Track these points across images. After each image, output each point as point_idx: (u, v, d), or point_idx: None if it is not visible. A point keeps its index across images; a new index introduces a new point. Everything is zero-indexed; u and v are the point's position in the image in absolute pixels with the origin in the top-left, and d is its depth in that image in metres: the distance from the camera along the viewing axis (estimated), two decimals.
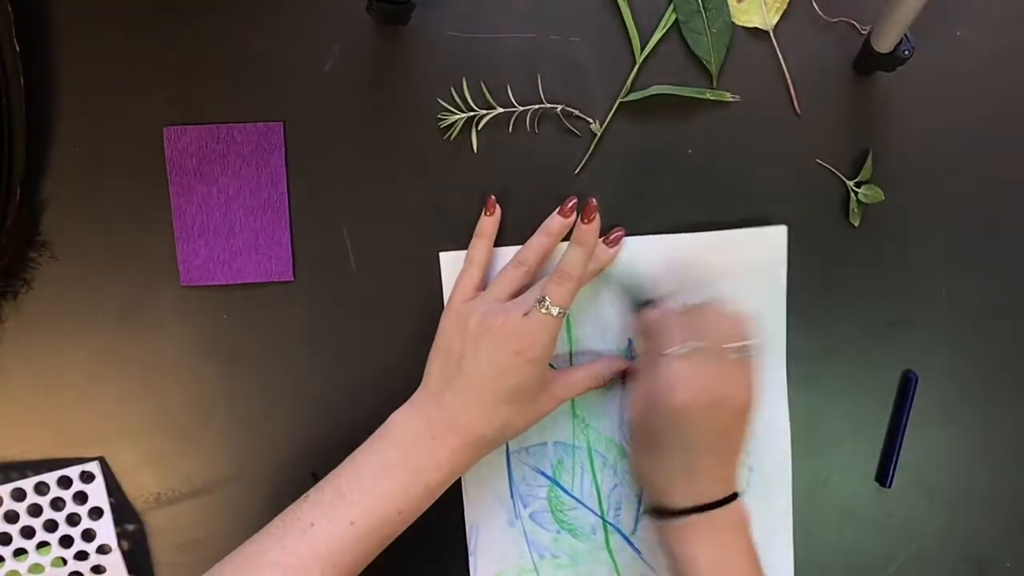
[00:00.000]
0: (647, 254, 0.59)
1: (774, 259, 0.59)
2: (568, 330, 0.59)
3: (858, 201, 0.59)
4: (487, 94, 0.59)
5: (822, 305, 0.60)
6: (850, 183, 0.59)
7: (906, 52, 0.55)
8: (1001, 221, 0.60)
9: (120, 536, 0.59)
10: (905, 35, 0.54)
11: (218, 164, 0.59)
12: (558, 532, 0.61)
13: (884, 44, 0.55)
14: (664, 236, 0.59)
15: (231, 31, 0.59)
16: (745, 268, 0.59)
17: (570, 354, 0.60)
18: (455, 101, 0.59)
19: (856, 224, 0.59)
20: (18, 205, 0.57)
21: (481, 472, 0.60)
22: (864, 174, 0.59)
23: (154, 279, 0.59)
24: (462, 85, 0.59)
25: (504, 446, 0.60)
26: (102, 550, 0.59)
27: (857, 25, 0.59)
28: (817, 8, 0.59)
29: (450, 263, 0.59)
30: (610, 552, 0.61)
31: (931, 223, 0.60)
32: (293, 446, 0.60)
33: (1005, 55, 0.60)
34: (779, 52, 0.59)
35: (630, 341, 0.59)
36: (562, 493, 0.61)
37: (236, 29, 0.59)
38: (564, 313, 0.52)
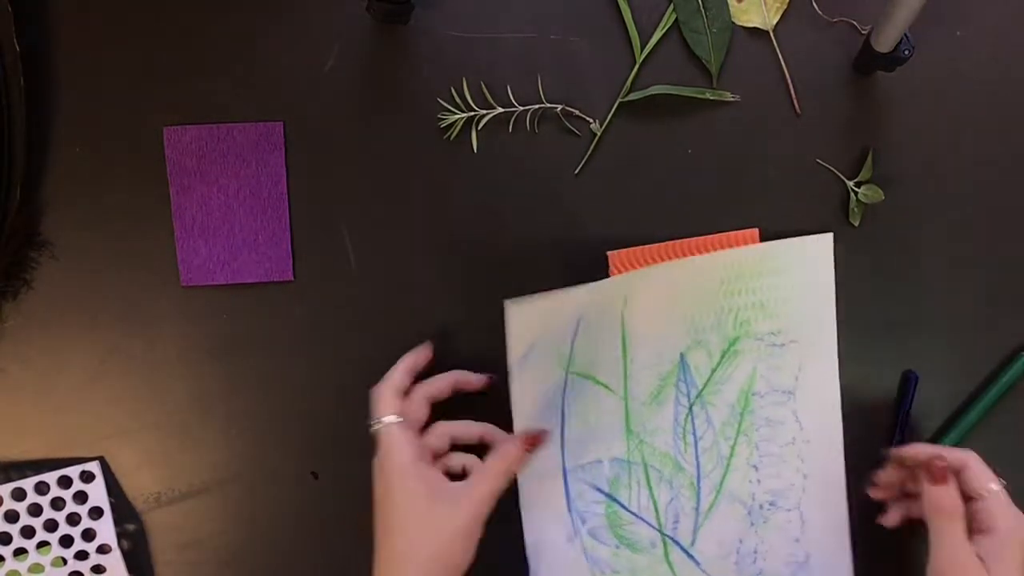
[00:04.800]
0: (682, 281, 0.58)
1: (821, 270, 0.58)
2: (623, 349, 0.59)
3: (858, 201, 0.59)
4: (487, 94, 0.59)
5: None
6: (850, 183, 0.59)
7: (906, 52, 0.55)
8: (1001, 221, 0.60)
9: (120, 536, 0.59)
10: (905, 35, 0.54)
11: (218, 164, 0.59)
12: (617, 547, 0.60)
13: (884, 44, 0.55)
14: (707, 256, 0.58)
15: (231, 31, 0.59)
16: (792, 283, 0.58)
17: (624, 373, 0.59)
18: (455, 101, 0.59)
19: (856, 224, 0.59)
20: (18, 205, 0.57)
21: (539, 490, 0.60)
22: (864, 174, 0.59)
23: (154, 279, 0.59)
24: (462, 85, 0.59)
25: (561, 464, 0.60)
26: (102, 550, 0.59)
27: (857, 25, 0.59)
28: (817, 8, 0.59)
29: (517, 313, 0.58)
30: (670, 565, 0.60)
31: (931, 223, 0.60)
32: (293, 446, 0.60)
33: (1005, 55, 0.60)
34: (779, 52, 0.59)
35: (681, 356, 0.59)
36: (620, 508, 0.60)
37: (236, 29, 0.59)
38: (393, 423, 0.53)
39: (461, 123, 0.59)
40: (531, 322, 0.58)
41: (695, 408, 0.59)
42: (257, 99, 0.59)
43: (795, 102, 0.59)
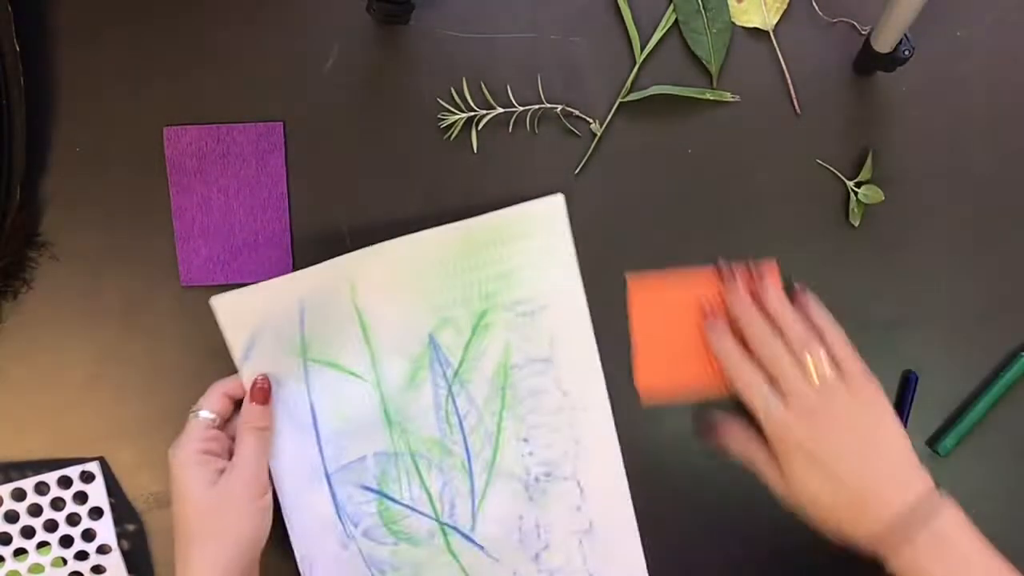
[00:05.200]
0: (413, 257, 0.57)
1: (557, 232, 0.57)
2: (364, 334, 0.57)
3: (858, 201, 0.59)
4: (487, 94, 0.59)
5: (822, 305, 0.59)
6: (850, 183, 0.59)
7: (906, 52, 0.55)
8: (1001, 221, 0.60)
9: (120, 536, 0.59)
10: (905, 35, 0.54)
11: (218, 164, 0.59)
12: (396, 544, 0.58)
13: (884, 44, 0.55)
14: (436, 229, 0.57)
15: (231, 31, 0.59)
16: (530, 249, 0.57)
17: (371, 359, 0.57)
18: (455, 101, 0.59)
19: (856, 224, 0.59)
20: (18, 205, 0.57)
21: (302, 500, 0.57)
22: (864, 174, 0.59)
23: (154, 279, 0.59)
24: (462, 85, 0.59)
25: (322, 468, 0.57)
26: (102, 550, 0.59)
27: (857, 25, 0.59)
28: (817, 8, 0.59)
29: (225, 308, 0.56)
30: (453, 554, 0.58)
31: (931, 223, 0.60)
32: None
33: (1005, 55, 0.60)
34: (779, 52, 0.59)
35: (430, 336, 0.57)
36: (392, 504, 0.58)
37: (236, 29, 0.59)
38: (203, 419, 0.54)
39: (461, 123, 0.59)
40: (243, 313, 0.56)
41: (454, 388, 0.58)
42: (257, 99, 0.59)
43: (795, 102, 0.59)
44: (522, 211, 0.57)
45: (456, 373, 0.58)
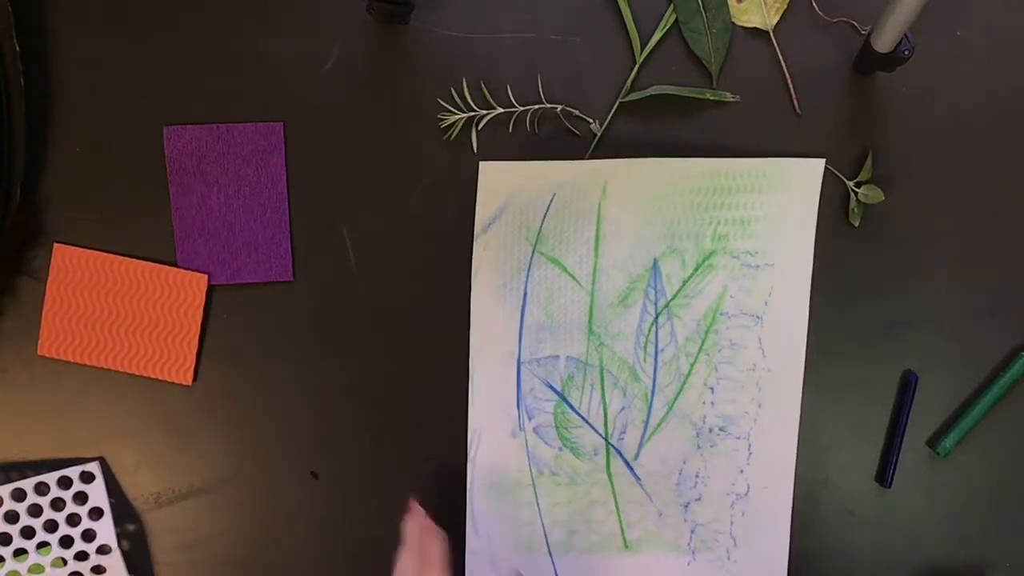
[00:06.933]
0: (665, 180, 0.57)
1: (807, 196, 0.58)
2: (596, 241, 0.58)
3: (858, 201, 0.59)
4: (487, 94, 0.59)
5: (822, 305, 0.59)
6: (850, 183, 0.59)
7: (906, 52, 0.55)
8: (1001, 221, 0.60)
9: (120, 536, 0.59)
10: (905, 35, 0.54)
11: (218, 164, 0.59)
12: (560, 449, 0.59)
13: (884, 44, 0.55)
14: (692, 159, 0.57)
15: (231, 31, 0.59)
16: (776, 204, 0.58)
17: (595, 267, 0.58)
18: (455, 101, 0.59)
19: (856, 224, 0.59)
20: (18, 205, 0.57)
21: (489, 377, 0.59)
22: (864, 174, 0.59)
23: None
24: (462, 85, 0.59)
25: (516, 354, 0.59)
26: (102, 550, 0.59)
27: (857, 25, 0.59)
28: (817, 8, 0.59)
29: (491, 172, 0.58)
30: (609, 476, 0.59)
31: (931, 223, 0.60)
32: (293, 446, 0.60)
33: (1005, 55, 0.60)
34: (779, 52, 0.59)
35: (655, 261, 0.58)
36: (569, 410, 0.59)
37: (236, 29, 0.59)
38: None
39: (461, 123, 0.59)
40: (505, 183, 0.57)
41: (661, 318, 0.59)
42: (257, 99, 0.59)
43: (795, 102, 0.59)
44: (780, 166, 0.57)
45: (668, 304, 0.58)
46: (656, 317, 0.59)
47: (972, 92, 0.60)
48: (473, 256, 0.58)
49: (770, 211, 0.58)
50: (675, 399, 0.59)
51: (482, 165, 0.57)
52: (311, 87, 0.59)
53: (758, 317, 0.58)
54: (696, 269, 0.58)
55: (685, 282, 0.58)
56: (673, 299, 0.58)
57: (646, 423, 0.59)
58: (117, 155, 0.59)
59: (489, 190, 0.57)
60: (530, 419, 0.59)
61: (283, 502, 0.60)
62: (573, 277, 0.58)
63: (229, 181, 0.59)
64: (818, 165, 0.57)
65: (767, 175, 0.57)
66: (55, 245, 0.58)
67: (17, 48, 0.56)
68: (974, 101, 0.60)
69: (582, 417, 0.59)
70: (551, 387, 0.59)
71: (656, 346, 0.59)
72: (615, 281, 0.58)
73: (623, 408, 0.59)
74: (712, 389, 0.59)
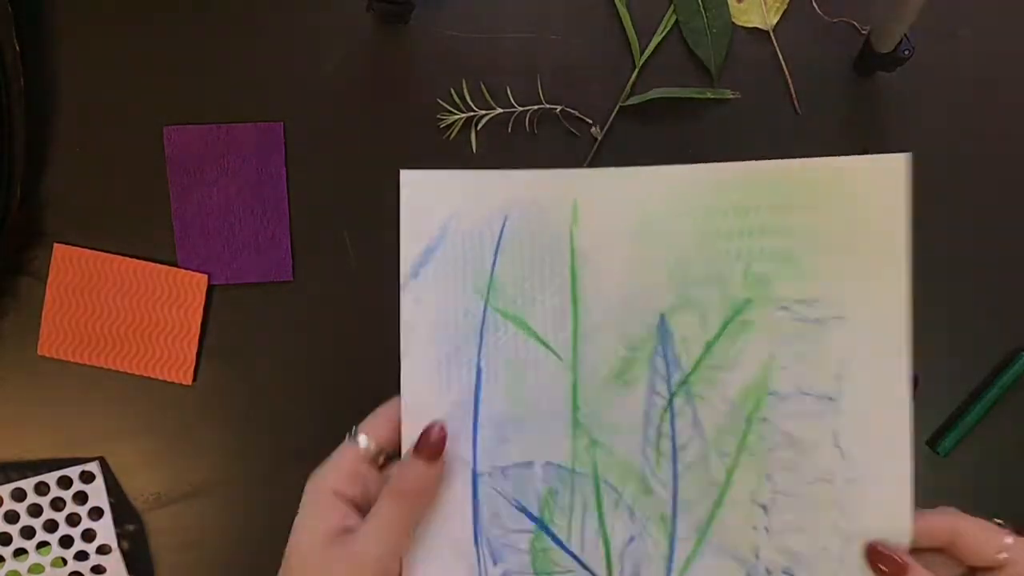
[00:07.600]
0: (666, 196, 0.40)
1: (889, 207, 0.39)
2: (573, 288, 0.41)
3: None
4: (487, 94, 0.59)
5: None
6: None
7: (906, 52, 0.55)
8: (1001, 221, 0.60)
9: (120, 536, 0.59)
10: (905, 35, 0.54)
11: (218, 164, 0.59)
12: None
13: (884, 44, 0.55)
14: (693, 166, 0.40)
15: (231, 31, 0.59)
16: (834, 225, 0.39)
17: (574, 328, 0.41)
18: (455, 101, 0.59)
19: None
20: (18, 204, 0.57)
21: (434, 508, 0.41)
22: None
23: None
24: (462, 85, 0.59)
25: (471, 462, 0.41)
26: (102, 550, 0.59)
27: (857, 25, 0.59)
28: (817, 8, 0.59)
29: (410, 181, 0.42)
30: None
31: (931, 223, 0.60)
32: (293, 446, 0.60)
33: (1005, 55, 0.60)
34: (779, 52, 0.59)
35: (662, 318, 0.40)
36: (552, 544, 0.41)
37: (236, 29, 0.59)
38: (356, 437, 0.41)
39: (461, 123, 0.59)
40: (438, 203, 0.41)
41: (677, 402, 0.40)
42: (257, 99, 0.59)
43: (795, 102, 0.59)
44: (837, 167, 0.39)
45: (686, 380, 0.40)
46: (670, 400, 0.40)
47: (972, 92, 0.60)
48: (401, 313, 0.42)
49: (832, 236, 0.39)
50: (709, 521, 0.40)
51: (403, 174, 0.41)
52: (311, 87, 0.59)
53: (830, 399, 0.39)
54: (723, 327, 0.40)
55: (709, 346, 0.40)
56: (693, 372, 0.40)
57: (669, 558, 0.40)
58: (117, 155, 0.59)
59: (416, 212, 0.41)
60: (495, 563, 0.41)
61: (283, 502, 0.60)
62: (545, 344, 0.41)
63: (229, 181, 0.59)
64: (899, 163, 0.38)
65: (820, 181, 0.39)
66: (55, 245, 0.58)
67: (17, 48, 0.56)
68: (974, 101, 0.60)
69: (573, 555, 0.41)
70: (524, 511, 0.41)
71: (673, 442, 0.40)
72: (606, 348, 0.40)
73: (632, 538, 0.40)
74: (765, 508, 0.40)
